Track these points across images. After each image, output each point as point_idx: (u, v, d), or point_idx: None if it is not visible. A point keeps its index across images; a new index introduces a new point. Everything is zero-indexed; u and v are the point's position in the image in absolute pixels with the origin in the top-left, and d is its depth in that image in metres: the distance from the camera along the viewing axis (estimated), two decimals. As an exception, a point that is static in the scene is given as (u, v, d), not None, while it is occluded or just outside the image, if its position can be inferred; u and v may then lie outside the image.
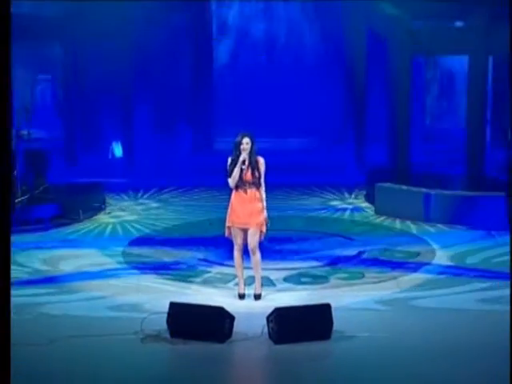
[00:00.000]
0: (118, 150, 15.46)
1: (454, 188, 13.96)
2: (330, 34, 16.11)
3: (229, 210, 10.26)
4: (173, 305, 9.46)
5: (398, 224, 13.64)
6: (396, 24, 14.83)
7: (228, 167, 10.14)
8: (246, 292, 10.40)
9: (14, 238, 12.44)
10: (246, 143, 10.03)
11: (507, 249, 12.27)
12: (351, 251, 12.41)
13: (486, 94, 14.99)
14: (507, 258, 11.90)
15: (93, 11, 16.38)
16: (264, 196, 10.24)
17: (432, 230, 13.39)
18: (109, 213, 14.44)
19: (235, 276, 10.62)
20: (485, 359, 8.69)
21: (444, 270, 11.71)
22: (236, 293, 10.46)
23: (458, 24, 14.96)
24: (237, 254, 10.29)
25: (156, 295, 10.64)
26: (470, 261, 12.09)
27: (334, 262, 11.95)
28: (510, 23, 12.04)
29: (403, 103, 15.33)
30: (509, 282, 10.84)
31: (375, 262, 11.97)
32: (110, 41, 15.93)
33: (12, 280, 10.87)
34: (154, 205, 14.94)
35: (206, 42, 17.51)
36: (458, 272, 11.66)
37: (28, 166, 14.26)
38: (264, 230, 10.23)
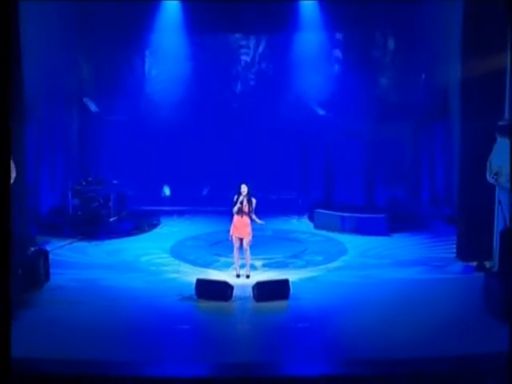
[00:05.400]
0: (167, 191, 15.32)
1: (358, 212, 13.80)
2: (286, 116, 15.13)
3: (232, 226, 10.44)
4: (198, 280, 9.72)
5: (326, 233, 13.48)
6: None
7: (234, 201, 10.33)
8: (241, 273, 10.54)
9: (106, 242, 12.65)
10: (243, 188, 10.25)
11: (386, 245, 12.54)
12: (300, 249, 12.41)
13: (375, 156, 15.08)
14: (388, 251, 12.18)
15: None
16: (253, 218, 10.36)
17: (345, 236, 13.18)
18: (162, 227, 14.22)
19: (234, 263, 10.68)
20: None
21: (355, 259, 11.76)
22: (234, 273, 10.57)
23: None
24: (235, 251, 10.47)
25: (189, 274, 10.71)
26: (370, 252, 12.12)
27: (291, 255, 11.98)
28: (509, 27, 9.75)
29: (329, 164, 15.23)
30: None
31: (314, 255, 11.98)
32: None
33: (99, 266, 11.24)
34: (188, 222, 14.70)
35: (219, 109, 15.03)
36: (364, 260, 11.69)
37: (117, 200, 14.06)
38: (251, 238, 10.42)
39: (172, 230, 13.75)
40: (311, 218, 14.17)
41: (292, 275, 10.43)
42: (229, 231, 10.58)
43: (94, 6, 13.91)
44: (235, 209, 10.36)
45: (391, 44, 14.46)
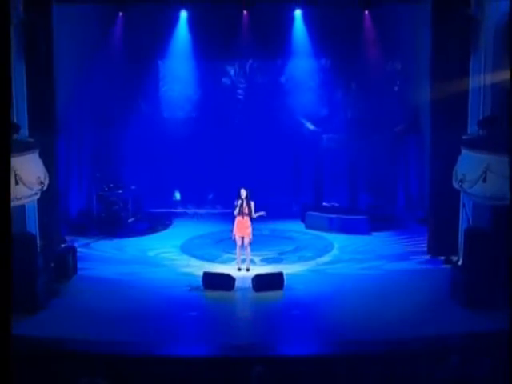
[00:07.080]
0: (177, 195, 15.18)
1: (343, 214, 13.62)
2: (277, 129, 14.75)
3: (234, 227, 10.44)
4: (205, 273, 9.74)
5: (316, 233, 13.26)
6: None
7: (235, 205, 10.32)
8: (242, 267, 10.52)
9: (125, 240, 12.57)
10: (242, 192, 10.23)
11: (367, 242, 12.42)
12: (293, 246, 12.30)
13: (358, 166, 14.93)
14: (369, 247, 12.07)
15: None
16: (254, 216, 10.32)
17: (332, 235, 12.99)
18: (173, 227, 13.91)
19: (236, 258, 10.64)
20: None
21: (340, 254, 11.70)
22: (236, 267, 10.51)
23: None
24: (237, 248, 10.47)
25: (197, 268, 10.67)
26: (353, 249, 12.05)
27: (285, 251, 11.90)
28: (509, 29, 8.23)
29: (318, 172, 15.04)
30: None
31: (305, 251, 11.91)
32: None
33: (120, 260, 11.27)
34: (196, 222, 14.33)
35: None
36: (349, 255, 11.63)
37: (134, 204, 13.89)
38: (251, 236, 10.43)
39: (182, 230, 13.74)
40: (303, 219, 14.12)
41: (286, 268, 10.45)
42: (232, 231, 10.60)
43: (115, 33, 14.07)
44: (236, 211, 10.36)
45: (371, 69, 14.58)
